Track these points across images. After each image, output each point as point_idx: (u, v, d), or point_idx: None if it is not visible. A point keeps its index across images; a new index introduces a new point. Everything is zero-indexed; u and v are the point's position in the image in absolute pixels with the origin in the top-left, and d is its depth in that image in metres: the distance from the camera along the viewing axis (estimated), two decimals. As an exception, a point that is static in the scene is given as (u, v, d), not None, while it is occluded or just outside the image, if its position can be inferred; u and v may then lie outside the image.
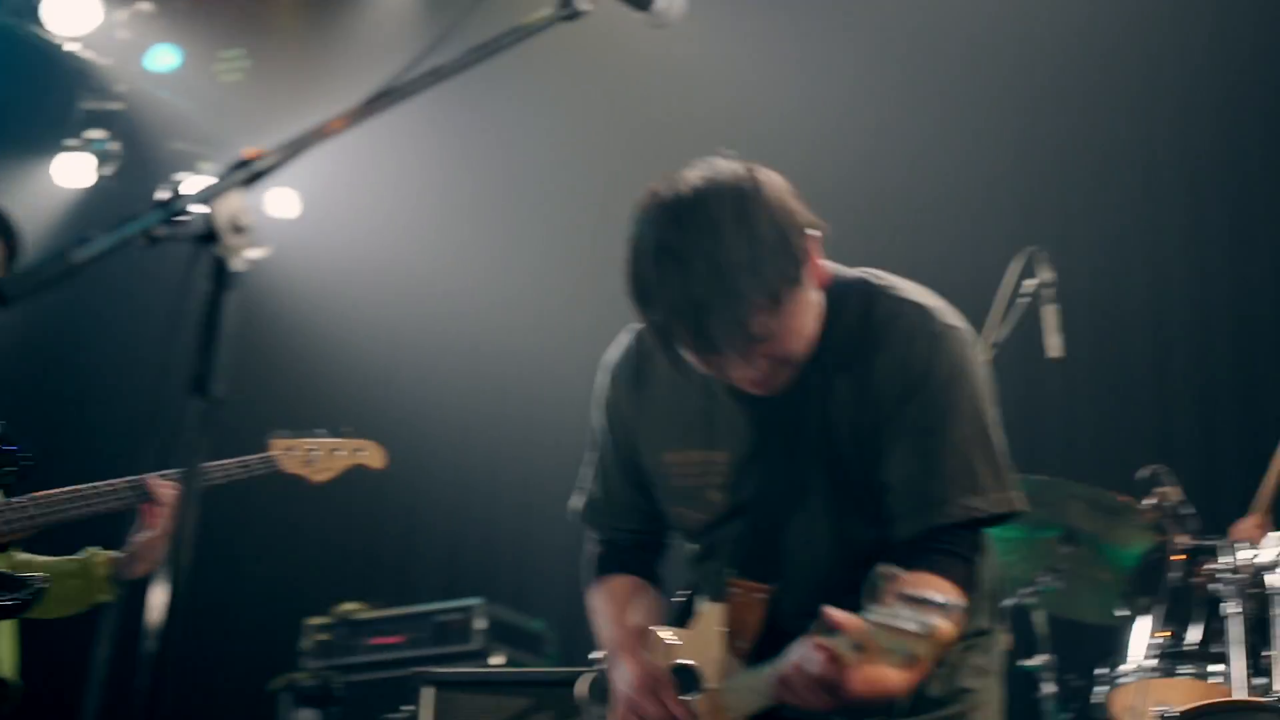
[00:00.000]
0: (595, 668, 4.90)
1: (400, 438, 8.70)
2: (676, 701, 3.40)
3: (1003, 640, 3.75)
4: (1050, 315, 6.57)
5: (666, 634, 3.56)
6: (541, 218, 10.15)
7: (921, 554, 3.25)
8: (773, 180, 3.24)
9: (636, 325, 3.60)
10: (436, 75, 2.72)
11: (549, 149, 10.08)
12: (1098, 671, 5.92)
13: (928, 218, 9.07)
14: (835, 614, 2.84)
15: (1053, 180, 9.02)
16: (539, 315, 9.93)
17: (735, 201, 3.15)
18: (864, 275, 3.49)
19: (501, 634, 8.18)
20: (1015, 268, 6.62)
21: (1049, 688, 6.54)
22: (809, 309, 3.28)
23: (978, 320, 6.61)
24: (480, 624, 8.10)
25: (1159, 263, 8.69)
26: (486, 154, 10.23)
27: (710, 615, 3.47)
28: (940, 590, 3.02)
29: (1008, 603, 6.30)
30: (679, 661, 3.48)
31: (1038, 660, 6.58)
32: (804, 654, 2.96)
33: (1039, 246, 6.67)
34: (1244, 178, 8.60)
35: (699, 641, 3.47)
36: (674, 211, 3.18)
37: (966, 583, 3.29)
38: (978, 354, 3.45)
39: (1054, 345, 6.59)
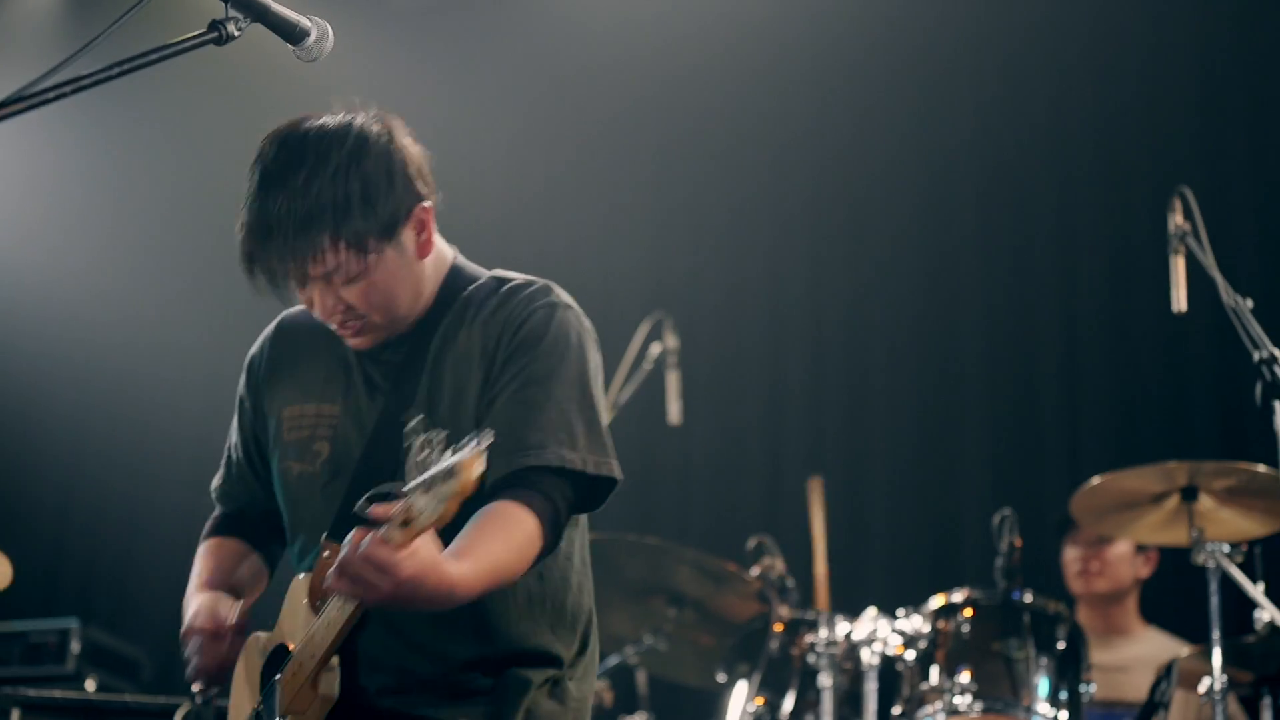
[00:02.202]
0: (193, 699, 4.81)
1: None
2: (229, 652, 3.39)
3: (592, 680, 3.69)
4: (673, 381, 6.67)
5: (262, 634, 3.51)
6: (165, 242, 9.93)
7: (506, 488, 3.22)
8: (404, 144, 3.39)
9: (285, 311, 3.72)
10: (75, 85, 2.67)
11: (182, 163, 9.85)
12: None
13: (560, 273, 9.11)
14: (378, 509, 2.84)
15: (683, 247, 9.14)
16: (156, 329, 9.70)
17: (352, 143, 3.29)
18: (495, 270, 3.59)
19: (97, 658, 7.95)
20: (642, 332, 6.71)
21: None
22: (402, 271, 3.37)
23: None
24: (76, 646, 7.86)
25: (777, 335, 8.86)
26: (116, 162, 9.98)
27: (299, 585, 3.39)
28: (514, 517, 3.14)
29: (612, 661, 6.37)
30: (276, 645, 3.40)
31: (637, 719, 6.66)
32: (354, 539, 2.90)
33: (666, 312, 6.77)
34: (864, 256, 8.83)
35: (290, 617, 3.39)
36: (290, 138, 3.32)
37: (551, 524, 3.23)
38: (593, 342, 3.51)
39: (674, 411, 6.69)
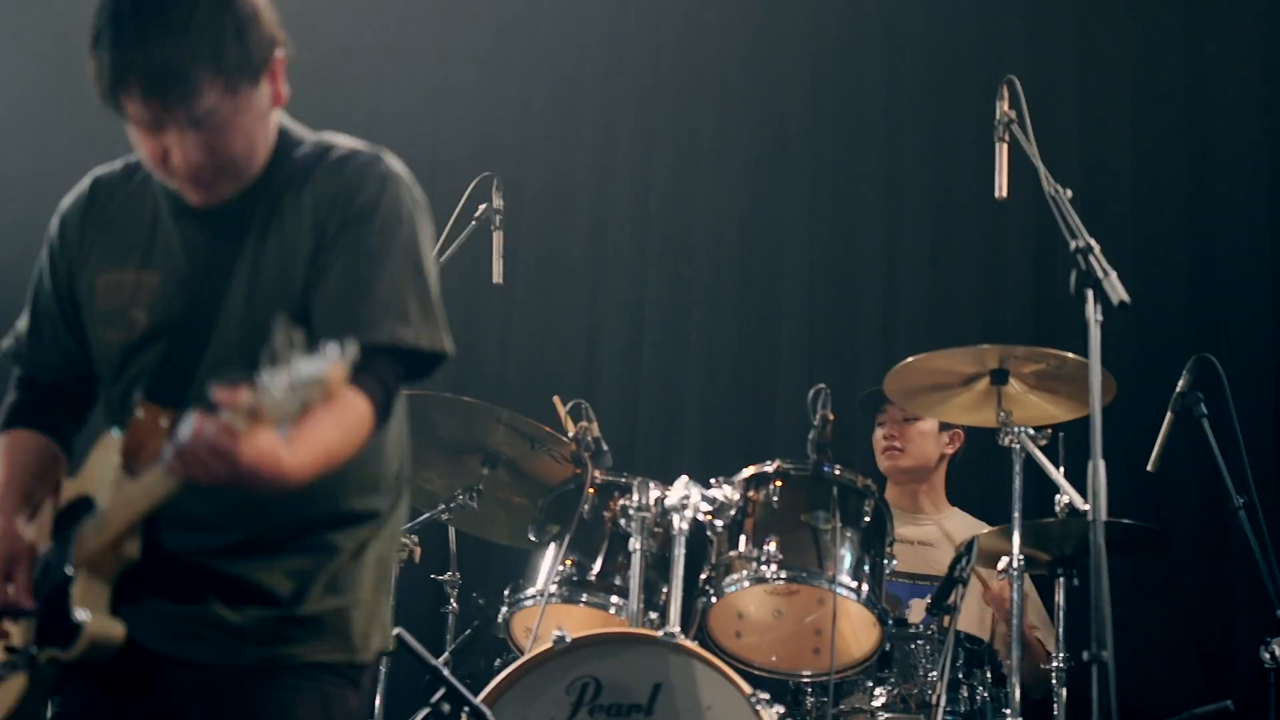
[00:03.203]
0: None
1: None
2: (26, 586, 3.31)
3: (398, 537, 3.69)
4: (497, 241, 6.66)
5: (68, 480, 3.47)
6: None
7: None
8: None
9: (98, 170, 3.58)
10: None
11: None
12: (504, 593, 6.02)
13: (390, 130, 9.06)
14: (224, 393, 2.78)
15: (512, 107, 9.11)
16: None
17: None
18: (322, 133, 3.52)
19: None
20: (468, 190, 6.69)
21: (454, 604, 6.66)
22: (261, 119, 3.28)
23: (428, 238, 6.68)
24: None
25: (603, 200, 8.87)
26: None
27: (111, 443, 3.35)
28: (348, 401, 3.09)
29: (423, 518, 6.39)
30: (80, 494, 3.37)
31: (446, 576, 6.70)
32: (196, 424, 2.84)
33: (494, 172, 6.75)
34: (692, 128, 8.86)
35: (100, 470, 3.36)
36: None
37: (382, 406, 3.24)
38: (424, 209, 3.47)
39: (497, 271, 6.69)
